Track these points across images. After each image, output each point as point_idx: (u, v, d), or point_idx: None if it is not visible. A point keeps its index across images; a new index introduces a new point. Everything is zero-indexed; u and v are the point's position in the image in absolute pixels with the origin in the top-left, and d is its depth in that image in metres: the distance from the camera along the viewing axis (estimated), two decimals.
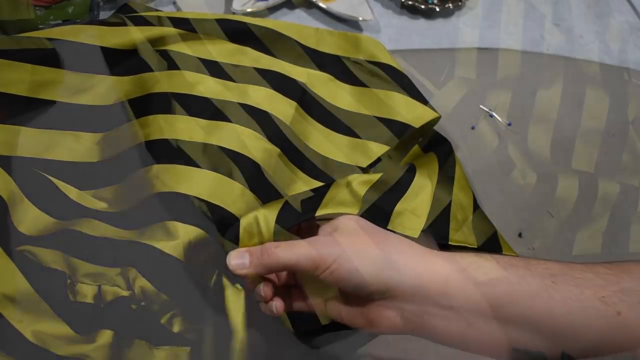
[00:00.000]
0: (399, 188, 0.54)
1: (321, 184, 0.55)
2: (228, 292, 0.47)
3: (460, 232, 0.54)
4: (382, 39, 0.64)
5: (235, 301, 0.46)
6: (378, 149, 0.57)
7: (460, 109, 0.63)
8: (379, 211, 0.51)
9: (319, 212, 0.47)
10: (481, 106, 0.63)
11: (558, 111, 0.64)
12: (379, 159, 0.57)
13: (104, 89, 0.55)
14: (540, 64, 0.67)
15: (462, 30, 0.69)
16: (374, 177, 0.53)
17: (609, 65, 0.68)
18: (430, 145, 0.58)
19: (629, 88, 0.66)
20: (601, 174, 0.61)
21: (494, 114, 0.63)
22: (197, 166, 0.52)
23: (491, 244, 0.55)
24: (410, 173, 0.55)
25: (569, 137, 0.63)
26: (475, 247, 0.54)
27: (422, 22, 0.70)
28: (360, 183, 0.52)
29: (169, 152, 0.53)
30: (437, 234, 0.53)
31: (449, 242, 0.54)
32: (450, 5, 0.69)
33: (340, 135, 0.58)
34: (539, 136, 0.62)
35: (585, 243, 0.57)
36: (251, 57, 0.60)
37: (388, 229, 0.48)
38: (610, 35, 0.70)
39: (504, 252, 0.54)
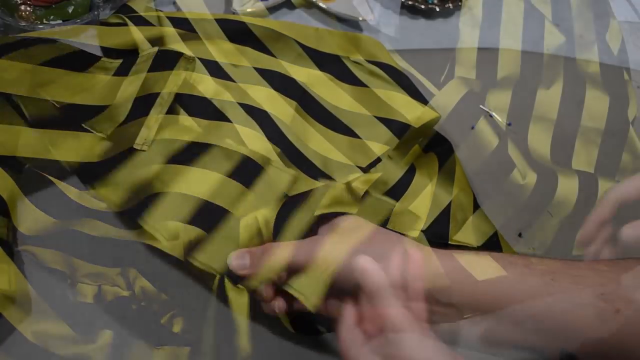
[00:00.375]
0: (399, 188, 0.54)
1: (321, 184, 0.55)
2: (230, 292, 0.47)
3: (460, 232, 0.54)
4: (382, 39, 0.64)
5: (238, 301, 0.46)
6: (378, 149, 0.57)
7: (460, 109, 0.62)
8: None
9: (318, 212, 0.47)
10: (481, 106, 0.63)
11: (558, 111, 0.64)
12: (379, 159, 0.57)
13: (104, 89, 0.55)
14: (540, 64, 0.67)
15: (462, 30, 0.69)
16: (374, 176, 0.53)
17: (609, 65, 0.68)
18: (430, 145, 0.58)
19: (629, 88, 0.66)
20: (601, 173, 0.61)
21: (493, 114, 0.63)
22: (198, 166, 0.52)
23: (491, 244, 0.55)
24: (409, 173, 0.55)
25: (569, 137, 0.63)
26: (475, 247, 0.54)
27: (422, 22, 0.70)
28: (360, 183, 0.52)
29: (169, 152, 0.53)
30: (437, 234, 0.54)
31: (449, 242, 0.54)
32: (450, 5, 0.69)
33: (340, 135, 0.58)
34: (539, 136, 0.62)
35: None
36: (251, 57, 0.60)
37: (388, 229, 0.49)
38: (610, 35, 0.70)
39: (504, 252, 0.54)
